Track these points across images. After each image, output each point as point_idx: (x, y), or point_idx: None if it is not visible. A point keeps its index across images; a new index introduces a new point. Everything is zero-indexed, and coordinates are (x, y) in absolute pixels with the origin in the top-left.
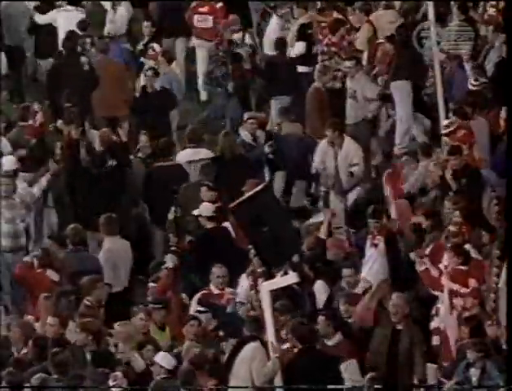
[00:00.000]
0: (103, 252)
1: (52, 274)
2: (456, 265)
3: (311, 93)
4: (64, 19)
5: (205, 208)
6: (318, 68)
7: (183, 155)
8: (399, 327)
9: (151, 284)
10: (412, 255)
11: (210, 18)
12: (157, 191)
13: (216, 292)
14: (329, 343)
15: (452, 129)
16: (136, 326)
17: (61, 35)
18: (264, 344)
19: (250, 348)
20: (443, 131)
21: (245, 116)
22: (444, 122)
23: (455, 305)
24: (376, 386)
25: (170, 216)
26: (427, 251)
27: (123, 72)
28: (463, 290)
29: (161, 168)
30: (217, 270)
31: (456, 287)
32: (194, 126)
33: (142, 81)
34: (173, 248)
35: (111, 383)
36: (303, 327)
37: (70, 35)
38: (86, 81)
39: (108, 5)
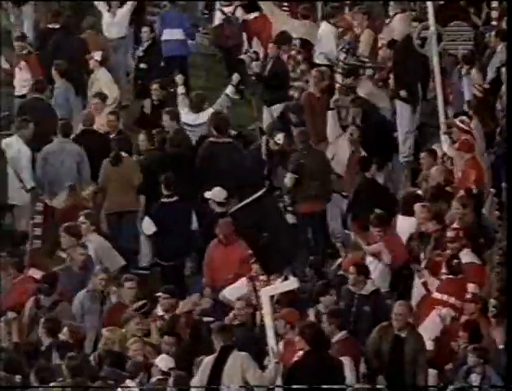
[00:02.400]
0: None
1: (35, 273)
2: (446, 274)
3: (304, 99)
4: None
5: (217, 193)
6: (314, 74)
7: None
8: (402, 334)
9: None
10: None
11: None
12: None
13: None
14: (334, 339)
15: (465, 127)
16: (133, 330)
17: None
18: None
19: (237, 358)
20: (459, 123)
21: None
22: (462, 117)
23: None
24: (376, 386)
25: (290, 181)
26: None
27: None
28: (445, 298)
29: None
30: None
31: (439, 296)
32: (198, 92)
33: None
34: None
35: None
36: (312, 328)
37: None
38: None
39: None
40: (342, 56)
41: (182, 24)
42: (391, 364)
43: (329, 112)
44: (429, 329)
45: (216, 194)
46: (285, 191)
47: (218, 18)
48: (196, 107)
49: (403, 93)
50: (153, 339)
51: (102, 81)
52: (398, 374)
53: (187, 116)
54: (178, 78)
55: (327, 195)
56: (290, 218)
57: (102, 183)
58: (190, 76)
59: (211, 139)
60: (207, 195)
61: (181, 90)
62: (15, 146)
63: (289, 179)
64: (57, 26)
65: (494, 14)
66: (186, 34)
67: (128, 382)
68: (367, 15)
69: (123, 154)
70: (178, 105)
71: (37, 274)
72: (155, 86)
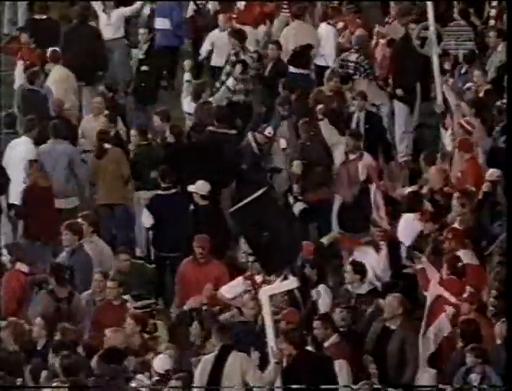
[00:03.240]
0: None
1: (22, 267)
2: (447, 274)
3: (314, 95)
4: None
5: (201, 187)
6: (327, 73)
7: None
8: (392, 326)
9: None
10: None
11: None
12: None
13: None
14: (325, 344)
15: (470, 128)
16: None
17: None
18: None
19: (236, 358)
20: (464, 124)
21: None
22: (467, 118)
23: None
24: (375, 386)
25: (298, 168)
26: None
27: None
28: (452, 299)
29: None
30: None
31: (445, 293)
32: (199, 82)
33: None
34: (299, 198)
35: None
36: (295, 332)
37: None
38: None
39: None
40: (354, 56)
41: (171, 13)
42: (375, 354)
43: (321, 123)
44: (438, 330)
45: (199, 187)
46: (294, 179)
47: (190, 9)
48: (197, 97)
49: (399, 91)
50: (163, 335)
51: (51, 78)
52: (381, 365)
53: (189, 105)
54: (186, 63)
55: (330, 182)
56: (301, 205)
57: (91, 177)
58: (179, 67)
59: (210, 128)
60: (190, 188)
61: (187, 76)
62: (24, 146)
63: (296, 166)
64: (44, 17)
65: (493, 13)
66: (174, 24)
67: (139, 376)
68: (357, 14)
69: (107, 146)
70: (183, 92)
71: (24, 268)
72: (101, 88)
